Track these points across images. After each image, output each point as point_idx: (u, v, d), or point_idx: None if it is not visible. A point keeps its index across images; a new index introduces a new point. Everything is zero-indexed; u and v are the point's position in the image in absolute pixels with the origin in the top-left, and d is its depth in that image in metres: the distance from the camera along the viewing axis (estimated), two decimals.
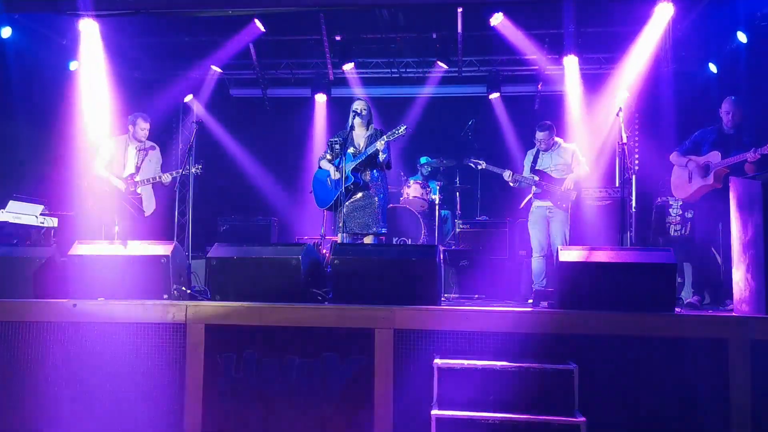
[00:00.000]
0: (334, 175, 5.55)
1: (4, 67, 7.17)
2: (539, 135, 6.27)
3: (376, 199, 5.64)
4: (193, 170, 5.73)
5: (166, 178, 6.05)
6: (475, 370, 3.61)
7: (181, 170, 5.73)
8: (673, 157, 5.61)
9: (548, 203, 6.18)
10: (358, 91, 9.04)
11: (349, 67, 8.79)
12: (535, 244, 6.23)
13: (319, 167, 5.86)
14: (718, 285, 5.36)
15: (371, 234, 5.60)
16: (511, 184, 6.34)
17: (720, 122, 5.41)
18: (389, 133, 5.49)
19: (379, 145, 5.48)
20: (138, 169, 6.08)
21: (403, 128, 5.48)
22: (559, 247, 4.25)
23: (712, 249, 5.46)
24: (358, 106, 5.68)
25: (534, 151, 6.40)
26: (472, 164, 6.77)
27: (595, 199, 6.91)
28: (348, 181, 5.53)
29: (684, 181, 5.50)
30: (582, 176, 6.25)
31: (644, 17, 7.32)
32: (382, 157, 5.56)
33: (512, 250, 7.18)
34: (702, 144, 5.44)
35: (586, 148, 6.85)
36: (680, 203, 6.80)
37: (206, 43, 8.68)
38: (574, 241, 6.14)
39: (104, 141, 6.28)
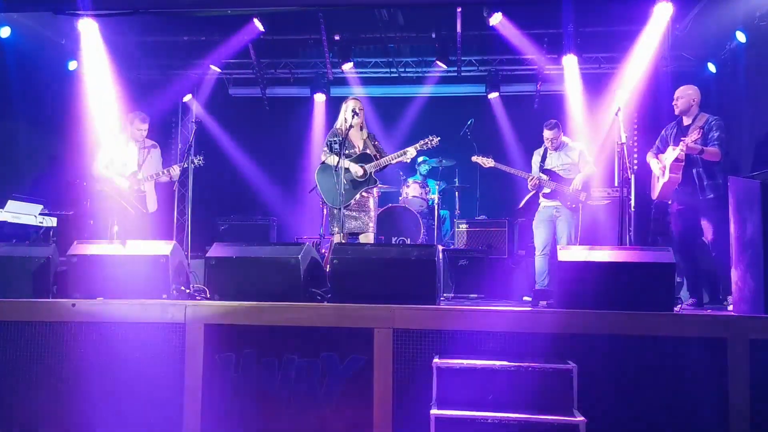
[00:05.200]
0: (357, 173, 5.49)
1: (3, 67, 7.17)
2: (548, 134, 6.18)
3: (373, 199, 5.71)
4: (196, 161, 5.72)
5: (175, 170, 6.03)
6: (475, 370, 3.61)
7: (184, 162, 5.71)
8: (647, 158, 5.54)
9: (556, 203, 6.12)
10: (357, 90, 9.04)
11: (348, 66, 8.79)
12: (538, 243, 6.22)
13: (325, 163, 5.63)
14: (714, 283, 5.33)
15: (367, 233, 5.62)
16: (531, 188, 6.26)
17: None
18: (422, 142, 5.56)
19: (412, 152, 5.53)
20: (140, 166, 6.10)
21: (436, 139, 5.56)
22: (559, 247, 4.25)
23: (707, 246, 5.39)
24: (356, 105, 5.61)
25: (541, 150, 6.35)
26: (479, 161, 6.56)
27: (595, 198, 6.91)
28: (372, 183, 5.56)
29: (654, 180, 5.45)
30: (590, 175, 6.21)
31: (643, 17, 7.32)
32: (402, 160, 5.59)
33: (511, 250, 7.20)
34: (667, 141, 5.38)
35: (586, 147, 6.84)
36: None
37: (205, 42, 8.69)
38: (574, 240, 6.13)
39: (104, 141, 6.28)
